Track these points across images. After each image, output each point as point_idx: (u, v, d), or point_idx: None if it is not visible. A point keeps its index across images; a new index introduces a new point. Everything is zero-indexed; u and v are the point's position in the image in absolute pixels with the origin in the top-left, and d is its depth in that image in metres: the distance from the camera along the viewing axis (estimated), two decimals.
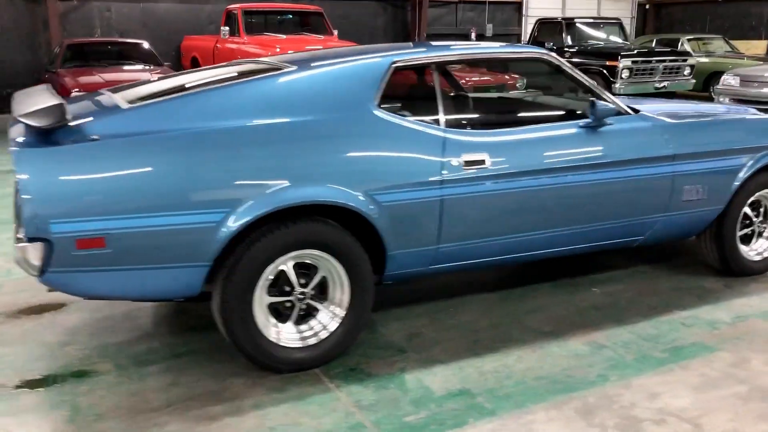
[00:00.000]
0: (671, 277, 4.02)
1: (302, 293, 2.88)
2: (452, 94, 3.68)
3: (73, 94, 8.75)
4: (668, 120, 3.63)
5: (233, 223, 2.61)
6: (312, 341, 2.92)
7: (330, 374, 2.91)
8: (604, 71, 12.27)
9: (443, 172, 2.99)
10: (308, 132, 2.81)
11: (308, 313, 2.95)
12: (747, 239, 3.99)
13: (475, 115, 3.70)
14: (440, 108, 3.12)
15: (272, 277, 2.81)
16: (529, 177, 3.18)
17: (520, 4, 17.88)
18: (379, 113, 2.96)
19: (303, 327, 2.93)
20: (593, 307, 3.61)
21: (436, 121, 3.09)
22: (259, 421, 2.56)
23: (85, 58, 10.38)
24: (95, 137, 2.57)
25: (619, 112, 3.50)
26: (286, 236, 2.74)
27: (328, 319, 2.95)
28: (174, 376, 2.89)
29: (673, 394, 2.75)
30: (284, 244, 2.74)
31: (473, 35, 16.87)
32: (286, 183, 2.69)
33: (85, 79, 9.19)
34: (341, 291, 2.93)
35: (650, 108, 3.90)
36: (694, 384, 2.82)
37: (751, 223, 4.00)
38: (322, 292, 2.95)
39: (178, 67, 12.91)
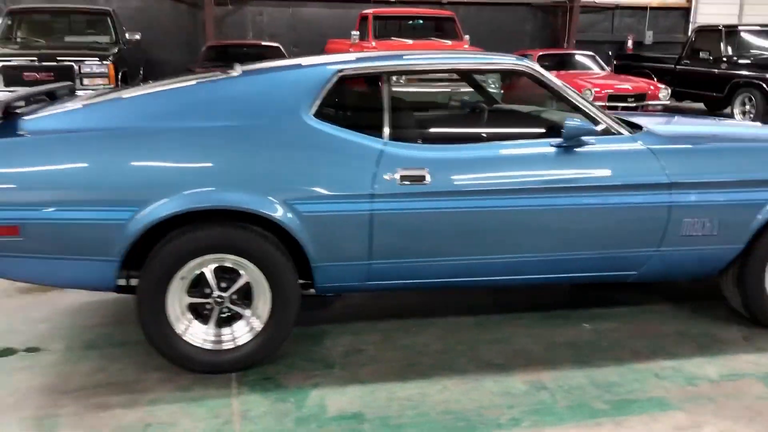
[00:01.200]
0: (683, 320, 3.56)
1: (220, 297, 2.91)
2: (407, 105, 3.51)
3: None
4: (666, 144, 3.22)
5: (140, 222, 2.70)
6: (228, 346, 2.94)
7: (242, 380, 2.92)
8: (764, 85, 11.06)
9: (375, 186, 2.88)
10: (232, 137, 2.84)
11: (232, 318, 2.97)
12: None
13: (429, 129, 3.50)
14: (386, 119, 3.00)
15: (190, 278, 2.87)
16: (477, 197, 2.98)
17: (687, 10, 16.58)
18: (312, 122, 2.91)
19: (224, 331, 2.96)
20: (569, 344, 3.29)
21: (380, 133, 2.98)
22: (142, 416, 2.64)
23: (224, 59, 11.12)
24: (23, 133, 2.77)
25: (609, 131, 3.16)
26: (198, 239, 2.78)
27: (245, 327, 2.95)
28: (105, 363, 3.05)
29: None
30: (196, 246, 2.79)
31: (630, 42, 15.93)
32: (198, 187, 2.74)
33: None
34: (264, 300, 2.92)
35: (669, 129, 3.49)
36: None
37: None
38: (248, 298, 2.96)
39: None
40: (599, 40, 15.89)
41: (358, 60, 3.14)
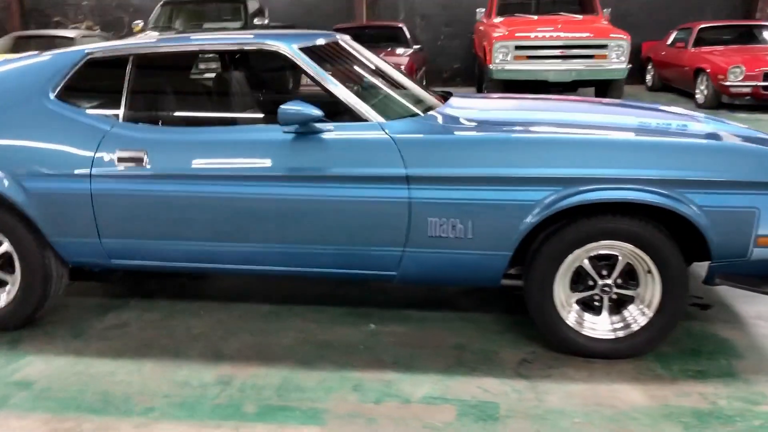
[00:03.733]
0: (482, 333, 3.13)
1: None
2: (154, 88, 3.43)
3: None
4: (416, 133, 2.85)
5: None
6: None
7: None
8: None
9: (93, 166, 2.97)
10: None
11: None
12: (598, 307, 2.88)
13: (169, 112, 3.37)
14: (124, 101, 3.06)
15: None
16: (196, 182, 2.92)
17: None
18: (51, 104, 3.07)
19: None
20: (325, 343, 3.10)
21: (116, 115, 3.05)
22: None
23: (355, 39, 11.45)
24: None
25: (358, 117, 2.89)
26: None
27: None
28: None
29: None
30: None
31: None
32: None
33: None
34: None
35: (464, 114, 3.10)
36: None
37: (595, 285, 2.86)
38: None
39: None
40: None
41: (112, 44, 3.21)
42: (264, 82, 3.34)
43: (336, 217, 2.86)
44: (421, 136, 2.84)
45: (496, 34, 9.96)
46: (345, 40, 3.91)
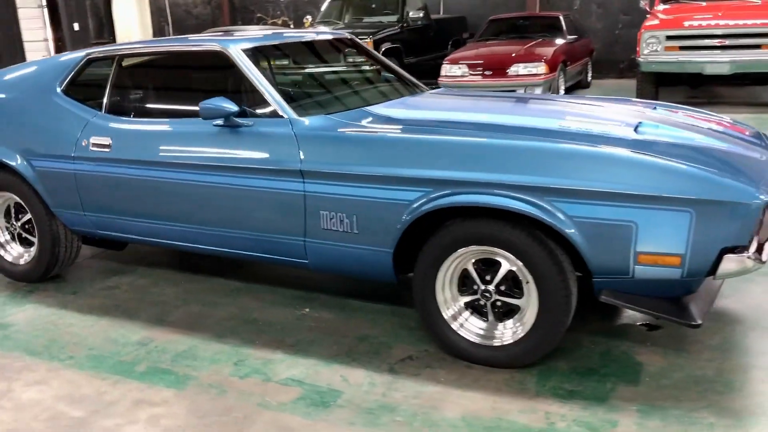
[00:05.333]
0: (401, 327, 3.20)
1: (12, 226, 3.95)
2: (129, 84, 3.79)
3: (446, 66, 10.10)
4: (319, 130, 2.99)
5: None
6: None
7: None
8: None
9: (75, 150, 3.53)
10: (2, 106, 3.80)
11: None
12: (486, 313, 2.84)
13: (133, 105, 3.68)
14: (106, 96, 3.58)
15: None
16: (142, 167, 3.35)
17: None
18: (57, 97, 3.67)
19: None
20: (251, 320, 3.37)
21: (99, 107, 3.58)
22: None
23: (504, 32, 11.40)
24: None
25: (275, 113, 3.11)
26: None
27: None
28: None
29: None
30: None
31: None
32: None
33: (461, 54, 10.36)
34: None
35: (384, 112, 3.18)
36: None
37: (484, 291, 2.82)
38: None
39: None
40: None
41: (108, 47, 3.72)
42: (218, 80, 3.64)
43: (248, 206, 3.11)
44: (317, 133, 2.98)
45: (647, 23, 9.31)
46: (352, 40, 4.11)
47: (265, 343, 3.12)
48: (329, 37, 4.28)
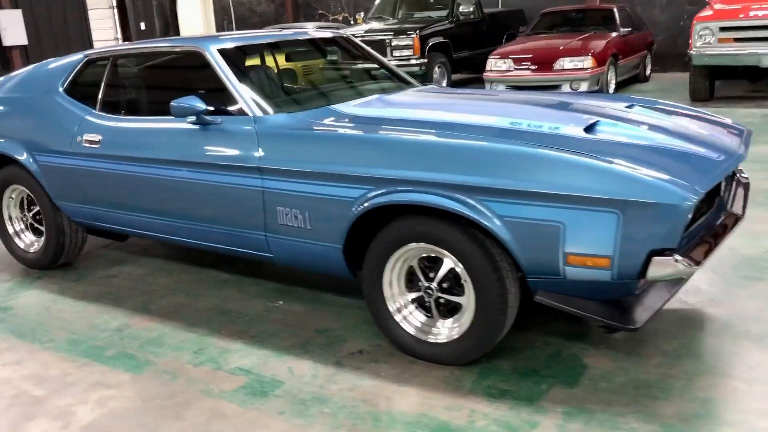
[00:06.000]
0: (359, 323, 3.27)
1: None
2: (120, 83, 3.92)
3: (491, 60, 10.03)
4: (279, 129, 3.08)
5: None
6: None
7: None
8: None
9: (72, 145, 3.75)
10: (15, 104, 4.08)
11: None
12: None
13: (122, 103, 3.84)
14: (100, 94, 3.79)
15: None
16: (127, 163, 3.53)
17: None
18: (59, 96, 3.91)
19: None
20: (224, 310, 3.50)
21: (94, 105, 3.79)
22: None
23: (557, 25, 11.21)
24: None
25: (241, 111, 3.23)
26: None
27: None
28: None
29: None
30: None
31: None
32: None
33: (508, 49, 10.25)
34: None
35: (347, 110, 3.25)
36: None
37: (426, 288, 2.86)
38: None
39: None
40: None
41: (104, 48, 3.93)
42: (198, 79, 3.77)
43: (216, 201, 3.24)
44: (275, 131, 3.07)
45: (700, 14, 8.95)
46: (348, 38, 4.20)
47: (230, 333, 3.24)
48: (317, 35, 4.35)
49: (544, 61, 9.64)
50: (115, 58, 3.85)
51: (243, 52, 3.63)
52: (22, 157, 3.94)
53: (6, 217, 4.28)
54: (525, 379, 2.69)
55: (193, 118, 3.24)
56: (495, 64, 9.99)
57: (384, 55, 10.72)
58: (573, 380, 2.66)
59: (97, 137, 3.63)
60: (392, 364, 2.87)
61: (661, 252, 2.35)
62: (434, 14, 11.55)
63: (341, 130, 2.99)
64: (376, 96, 3.67)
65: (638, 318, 2.51)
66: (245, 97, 3.24)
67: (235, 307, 3.54)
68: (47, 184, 3.90)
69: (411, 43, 10.49)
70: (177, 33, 16.20)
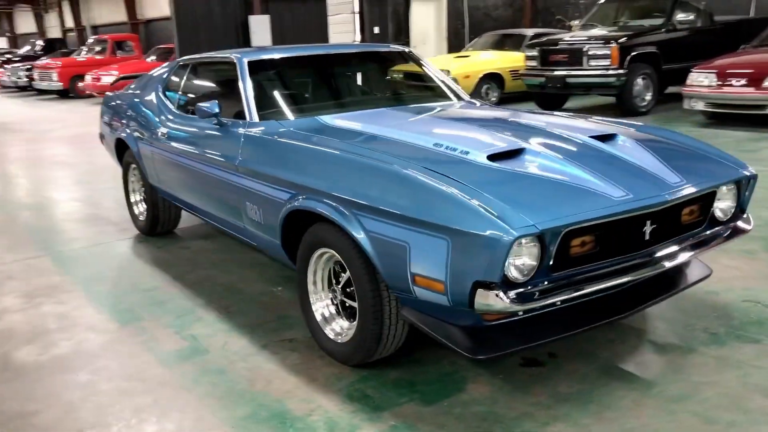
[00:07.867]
0: None
1: None
2: (191, 87, 4.43)
3: (692, 74, 9.24)
4: (258, 133, 3.48)
5: None
6: None
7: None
8: None
9: (155, 134, 4.56)
10: (135, 101, 5.02)
11: None
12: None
13: (187, 103, 4.25)
14: (178, 94, 4.54)
15: None
16: (174, 154, 4.23)
17: None
18: (158, 96, 4.75)
19: None
20: (229, 290, 4.02)
21: (174, 104, 4.56)
22: None
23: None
24: None
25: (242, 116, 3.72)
26: None
27: None
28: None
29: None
30: None
31: None
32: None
33: (717, 62, 9.36)
34: None
35: (330, 122, 3.56)
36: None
37: (333, 290, 3.10)
38: None
39: None
40: None
41: (202, 55, 4.63)
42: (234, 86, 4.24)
43: (220, 193, 3.76)
44: (252, 134, 3.48)
45: None
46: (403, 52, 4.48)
47: (216, 307, 3.73)
48: (362, 50, 4.60)
49: (753, 77, 8.61)
50: (195, 65, 4.56)
51: (274, 65, 4.07)
52: (133, 145, 4.84)
53: (131, 189, 5.26)
54: (394, 390, 2.77)
55: (214, 119, 3.78)
56: (696, 79, 9.16)
57: (580, 64, 10.43)
58: (435, 400, 2.69)
59: (165, 131, 4.36)
60: (305, 354, 3.12)
61: (487, 285, 2.32)
62: (650, 23, 10.85)
63: (289, 140, 3.30)
64: (376, 110, 3.86)
65: (481, 350, 2.48)
66: (249, 103, 3.69)
67: (243, 286, 4.01)
68: (144, 167, 4.76)
69: (608, 52, 10.05)
70: (407, 37, 17.12)
